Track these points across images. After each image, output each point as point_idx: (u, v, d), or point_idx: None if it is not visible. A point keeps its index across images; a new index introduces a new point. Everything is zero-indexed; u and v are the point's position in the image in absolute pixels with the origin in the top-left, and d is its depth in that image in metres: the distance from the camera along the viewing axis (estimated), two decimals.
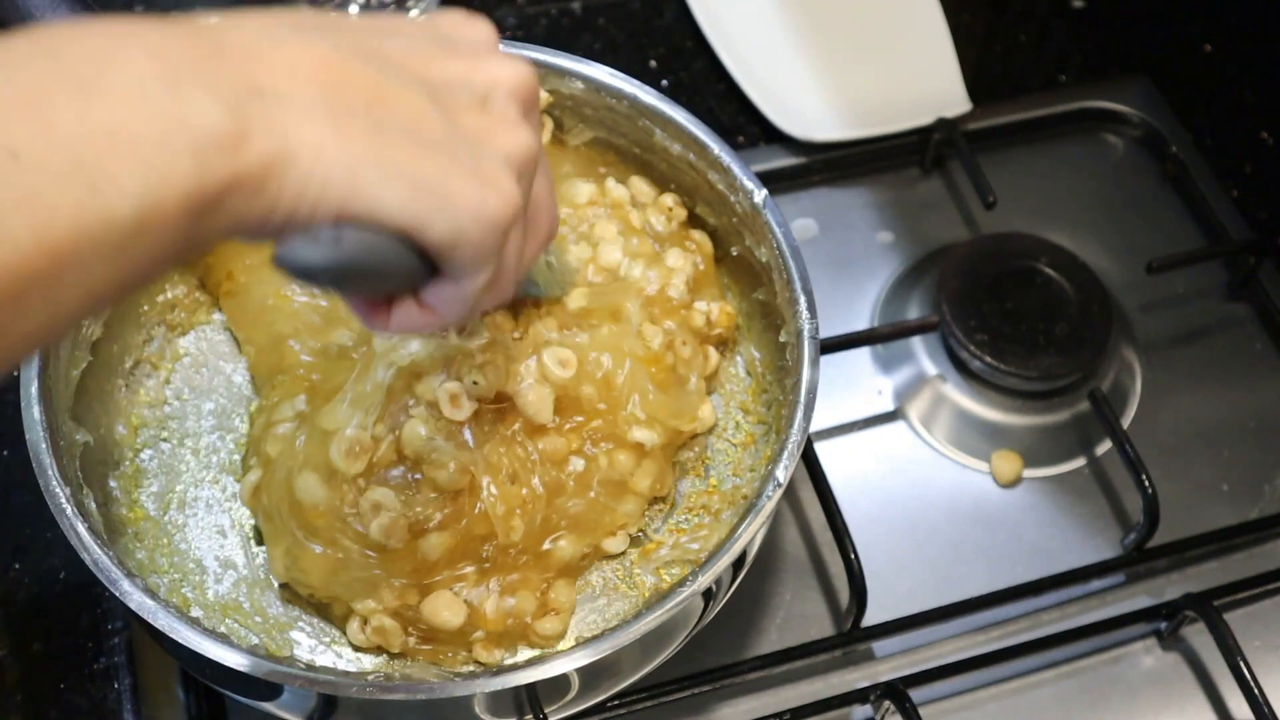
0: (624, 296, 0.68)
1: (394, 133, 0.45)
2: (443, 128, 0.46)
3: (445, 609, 0.62)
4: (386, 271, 0.47)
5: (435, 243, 0.46)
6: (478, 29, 0.52)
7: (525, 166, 0.49)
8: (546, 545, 0.64)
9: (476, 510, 0.63)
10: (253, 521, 0.67)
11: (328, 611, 0.65)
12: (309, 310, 0.70)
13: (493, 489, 0.62)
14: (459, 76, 0.49)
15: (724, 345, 0.74)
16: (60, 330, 0.42)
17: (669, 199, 0.74)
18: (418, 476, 0.62)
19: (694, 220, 0.75)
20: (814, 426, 0.73)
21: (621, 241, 0.71)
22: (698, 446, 0.72)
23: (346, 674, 0.62)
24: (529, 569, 0.64)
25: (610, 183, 0.74)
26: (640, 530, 0.68)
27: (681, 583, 0.59)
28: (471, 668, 0.64)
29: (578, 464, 0.65)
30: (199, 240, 0.42)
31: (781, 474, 0.62)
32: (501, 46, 0.72)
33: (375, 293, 0.50)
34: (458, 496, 0.63)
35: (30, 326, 0.38)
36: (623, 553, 0.68)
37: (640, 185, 0.75)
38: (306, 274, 0.45)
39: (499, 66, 0.50)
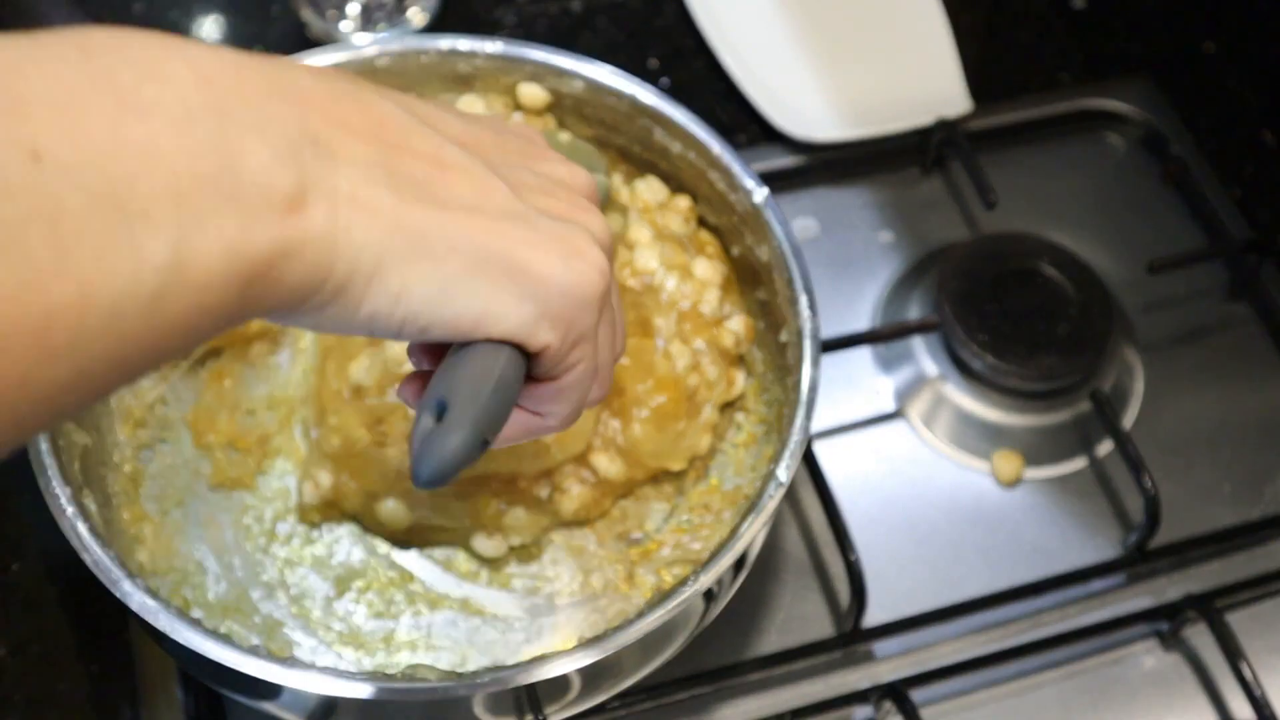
0: (657, 311, 0.67)
1: (458, 206, 0.40)
2: (511, 198, 0.42)
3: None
4: (513, 393, 0.41)
5: (517, 327, 0.41)
6: (535, 134, 0.49)
7: (608, 247, 0.45)
8: None
9: None
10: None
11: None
12: None
13: None
14: (524, 160, 0.45)
15: (741, 362, 0.73)
16: (84, 398, 0.33)
17: (683, 200, 0.74)
18: None
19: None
20: (814, 426, 0.72)
21: (658, 248, 0.69)
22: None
23: (347, 674, 0.61)
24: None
25: (639, 184, 0.73)
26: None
27: (683, 583, 0.59)
28: (471, 668, 0.64)
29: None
30: (248, 310, 0.36)
31: (783, 474, 0.62)
32: (502, 46, 0.72)
33: None
34: None
35: (57, 375, 0.32)
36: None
37: (653, 186, 0.74)
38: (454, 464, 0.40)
39: (567, 167, 0.47)
